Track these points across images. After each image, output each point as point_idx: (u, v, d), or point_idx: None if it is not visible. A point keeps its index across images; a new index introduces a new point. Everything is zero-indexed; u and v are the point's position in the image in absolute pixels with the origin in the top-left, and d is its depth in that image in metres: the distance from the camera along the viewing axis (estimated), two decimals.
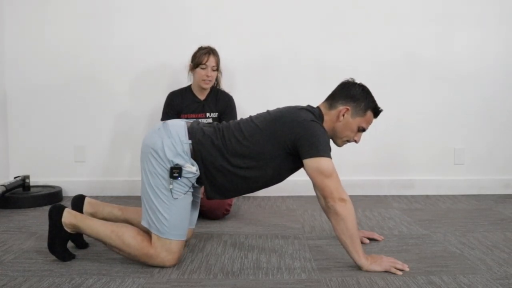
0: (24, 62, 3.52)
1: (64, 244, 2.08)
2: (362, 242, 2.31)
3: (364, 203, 3.27)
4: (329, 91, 2.17)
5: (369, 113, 2.10)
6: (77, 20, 3.49)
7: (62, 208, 2.07)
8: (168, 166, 1.97)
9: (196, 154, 2.01)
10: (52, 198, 3.25)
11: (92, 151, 3.57)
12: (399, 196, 3.51)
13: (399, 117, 3.55)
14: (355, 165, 3.50)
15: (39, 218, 2.86)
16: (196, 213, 2.26)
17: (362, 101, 2.08)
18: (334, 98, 2.11)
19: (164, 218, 1.97)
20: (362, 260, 1.94)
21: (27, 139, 3.56)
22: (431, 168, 3.59)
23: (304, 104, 2.20)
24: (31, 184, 3.39)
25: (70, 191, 3.51)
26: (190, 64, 3.05)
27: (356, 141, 2.15)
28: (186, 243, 2.31)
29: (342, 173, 3.21)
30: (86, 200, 2.30)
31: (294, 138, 1.97)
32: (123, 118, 3.56)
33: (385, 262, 1.96)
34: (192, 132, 2.04)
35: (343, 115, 2.07)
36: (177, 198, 1.99)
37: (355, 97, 2.07)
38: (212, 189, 2.08)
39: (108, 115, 3.55)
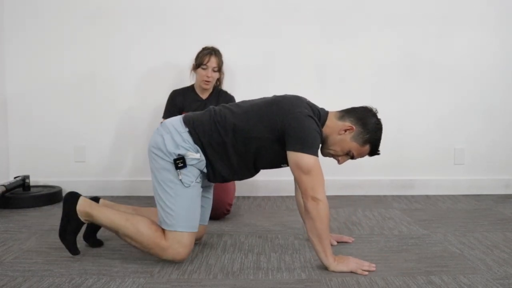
0: (24, 62, 3.52)
1: (75, 233, 2.10)
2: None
3: (364, 203, 3.27)
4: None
5: (367, 147, 2.07)
6: (78, 19, 3.49)
7: (77, 196, 2.09)
8: (171, 158, 2.01)
9: (195, 139, 2.04)
10: (52, 198, 3.25)
11: (92, 151, 3.57)
12: (399, 196, 3.51)
13: (399, 117, 3.55)
14: (355, 165, 3.47)
15: (39, 218, 2.86)
16: (208, 211, 2.29)
17: (369, 132, 2.04)
18: (349, 113, 2.08)
19: (170, 210, 2.00)
20: (329, 260, 1.95)
21: (27, 139, 3.56)
22: (431, 168, 3.59)
23: None
24: (31, 184, 3.39)
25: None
26: (192, 64, 3.08)
27: (338, 162, 2.12)
28: (199, 241, 2.33)
29: (342, 173, 3.29)
30: (101, 201, 2.32)
31: (284, 126, 1.96)
32: (124, 118, 3.56)
33: (352, 263, 1.97)
34: (187, 121, 2.08)
35: (345, 131, 2.05)
36: (189, 186, 2.02)
37: (366, 125, 2.04)
38: (213, 174, 2.10)
39: (108, 115, 3.55)
